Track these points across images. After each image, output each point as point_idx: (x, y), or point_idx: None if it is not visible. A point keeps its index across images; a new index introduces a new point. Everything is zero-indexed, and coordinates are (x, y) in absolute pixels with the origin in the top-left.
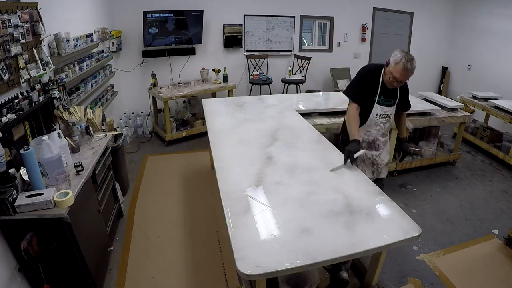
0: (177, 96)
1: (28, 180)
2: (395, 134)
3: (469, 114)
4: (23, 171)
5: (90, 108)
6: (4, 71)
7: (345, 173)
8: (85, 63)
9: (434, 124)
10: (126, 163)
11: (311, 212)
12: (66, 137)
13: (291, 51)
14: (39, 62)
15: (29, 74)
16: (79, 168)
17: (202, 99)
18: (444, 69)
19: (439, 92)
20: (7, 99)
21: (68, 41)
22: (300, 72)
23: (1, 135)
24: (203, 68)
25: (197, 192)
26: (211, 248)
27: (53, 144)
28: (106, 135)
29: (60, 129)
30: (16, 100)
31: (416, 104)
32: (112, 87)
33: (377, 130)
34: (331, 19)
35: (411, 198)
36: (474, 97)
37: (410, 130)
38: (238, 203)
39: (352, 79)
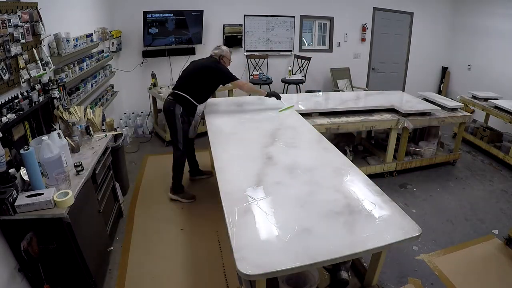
0: None
1: (28, 180)
2: (395, 134)
3: (469, 114)
4: (23, 171)
5: (90, 108)
6: (4, 71)
7: (346, 173)
8: (85, 63)
9: (434, 124)
10: (126, 163)
11: (311, 212)
12: (66, 137)
13: (291, 51)
14: (39, 62)
15: (29, 74)
16: (79, 168)
17: None
18: (444, 69)
19: (439, 92)
20: (7, 99)
21: (68, 41)
22: (300, 72)
23: (1, 135)
24: None
25: (197, 192)
26: (211, 248)
27: (53, 144)
28: (106, 135)
29: (60, 129)
30: (16, 100)
31: (416, 104)
32: (112, 87)
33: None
34: (331, 19)
35: (411, 198)
36: (474, 97)
37: (410, 130)
38: (238, 203)
39: (225, 73)
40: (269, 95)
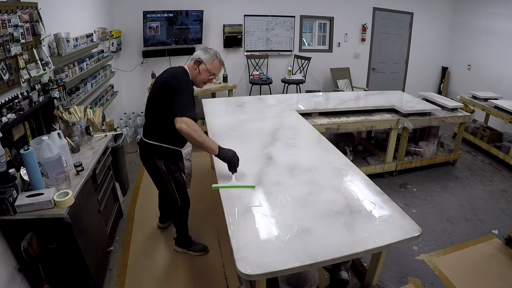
0: None
1: (28, 180)
2: (395, 134)
3: (469, 114)
4: (23, 171)
5: (90, 108)
6: (4, 71)
7: (346, 173)
8: (85, 63)
9: (434, 124)
10: (126, 163)
11: (311, 212)
12: (66, 137)
13: (291, 51)
14: (39, 62)
15: (29, 74)
16: (79, 168)
17: (202, 99)
18: (444, 69)
19: (439, 92)
20: (7, 99)
21: (68, 41)
22: (300, 72)
23: (1, 135)
24: None
25: (197, 192)
26: (211, 248)
27: (53, 144)
28: (106, 135)
29: (60, 129)
30: (16, 100)
31: (416, 104)
32: (112, 87)
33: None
34: (331, 19)
35: (411, 198)
36: (474, 97)
37: (410, 130)
38: (238, 203)
39: (185, 95)
40: (222, 155)
